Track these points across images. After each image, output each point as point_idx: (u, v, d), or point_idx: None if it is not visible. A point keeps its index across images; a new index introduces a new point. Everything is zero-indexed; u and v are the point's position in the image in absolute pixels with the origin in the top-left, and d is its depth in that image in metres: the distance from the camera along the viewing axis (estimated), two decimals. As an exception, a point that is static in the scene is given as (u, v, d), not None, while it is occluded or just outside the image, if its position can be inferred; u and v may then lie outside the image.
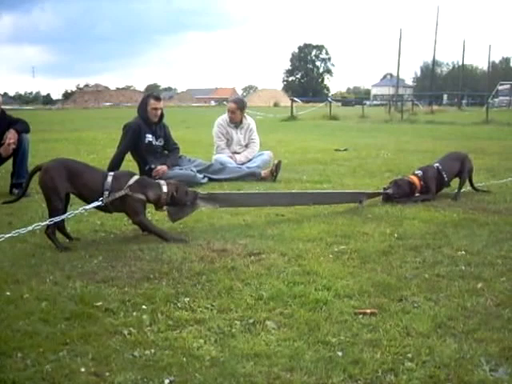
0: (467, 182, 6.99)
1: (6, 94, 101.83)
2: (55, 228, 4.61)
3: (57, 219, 4.47)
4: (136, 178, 4.83)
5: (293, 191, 6.79)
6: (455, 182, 6.89)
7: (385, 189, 6.49)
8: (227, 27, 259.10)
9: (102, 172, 4.88)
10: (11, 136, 6.96)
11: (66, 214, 4.58)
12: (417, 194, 6.55)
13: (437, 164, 6.83)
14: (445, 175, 6.74)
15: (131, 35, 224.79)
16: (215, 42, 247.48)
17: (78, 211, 4.57)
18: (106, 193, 4.64)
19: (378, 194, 6.49)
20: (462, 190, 6.82)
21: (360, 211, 5.87)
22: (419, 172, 6.68)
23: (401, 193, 6.44)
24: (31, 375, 2.56)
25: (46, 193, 4.59)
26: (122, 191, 4.66)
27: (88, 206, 4.62)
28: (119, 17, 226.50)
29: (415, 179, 6.57)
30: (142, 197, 4.73)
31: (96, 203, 4.61)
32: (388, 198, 6.40)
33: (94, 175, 4.78)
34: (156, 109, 7.67)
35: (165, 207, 4.97)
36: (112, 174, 4.81)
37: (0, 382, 2.49)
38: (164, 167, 7.54)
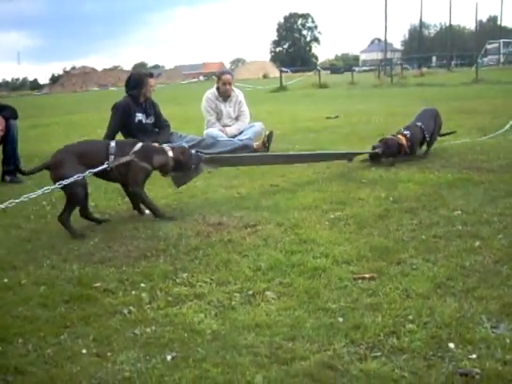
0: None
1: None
2: (69, 214, 4.50)
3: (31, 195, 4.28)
4: (140, 144, 4.77)
5: (289, 153, 7.14)
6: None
7: (374, 147, 6.56)
8: (213, 1, 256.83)
9: (104, 141, 4.89)
10: None
11: (72, 178, 4.33)
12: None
13: (419, 123, 6.89)
14: (426, 134, 6.84)
15: (117, 14, 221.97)
16: (201, 17, 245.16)
17: (84, 174, 4.39)
18: (112, 157, 4.58)
19: (367, 153, 6.63)
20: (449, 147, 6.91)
21: (354, 177, 5.87)
22: (407, 132, 6.71)
23: (389, 152, 6.51)
24: (33, 360, 2.56)
25: (68, 187, 4.38)
26: (127, 156, 4.60)
27: (94, 170, 4.47)
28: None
29: (403, 139, 6.61)
30: (147, 166, 4.68)
31: (102, 167, 4.50)
32: (375, 157, 6.50)
33: (98, 145, 4.77)
34: (152, 86, 7.67)
35: (170, 173, 4.94)
36: (114, 141, 4.81)
37: (2, 368, 2.49)
38: (155, 144, 7.50)
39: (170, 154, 4.80)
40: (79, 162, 4.48)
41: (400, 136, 6.66)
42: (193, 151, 5.09)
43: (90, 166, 4.48)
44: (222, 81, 8.80)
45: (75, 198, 4.48)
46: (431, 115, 7.13)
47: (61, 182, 4.30)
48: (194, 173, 5.12)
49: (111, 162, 4.55)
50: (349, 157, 6.42)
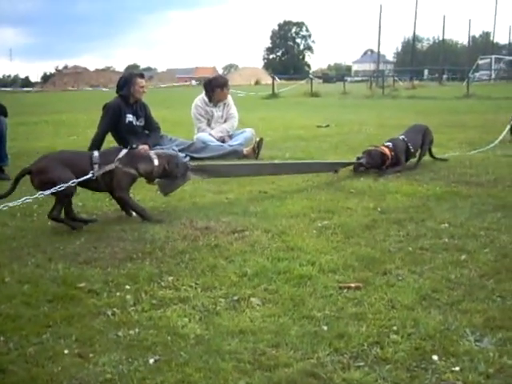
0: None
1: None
2: (60, 211, 4.49)
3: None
4: (125, 151, 4.74)
5: (276, 162, 7.08)
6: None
7: (358, 158, 6.62)
8: (207, 5, 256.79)
9: (87, 152, 4.85)
10: None
11: (57, 187, 4.30)
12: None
13: (402, 136, 7.01)
14: (411, 147, 6.91)
15: (111, 15, 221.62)
16: (195, 20, 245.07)
17: (68, 184, 4.33)
18: (96, 166, 4.54)
19: (352, 164, 6.67)
20: (441, 162, 6.92)
21: (343, 186, 5.87)
22: (389, 143, 6.80)
23: (373, 163, 6.57)
24: (14, 358, 2.53)
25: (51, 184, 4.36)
26: (112, 164, 4.58)
27: (79, 180, 4.42)
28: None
29: (387, 150, 6.66)
30: (132, 171, 4.66)
31: (87, 176, 4.47)
32: (360, 168, 6.59)
33: (81, 156, 4.73)
34: (143, 87, 7.63)
35: (156, 180, 4.92)
36: (97, 151, 4.78)
37: (-17, 365, 2.47)
38: (145, 147, 7.47)
39: (156, 162, 4.78)
40: (63, 167, 4.45)
41: (383, 147, 6.71)
42: (182, 159, 5.06)
43: (73, 174, 4.45)
44: (227, 88, 8.81)
45: (64, 195, 4.43)
46: (419, 130, 7.23)
47: (55, 188, 4.27)
48: (181, 181, 5.11)
49: (96, 172, 4.53)
50: (335, 168, 6.50)
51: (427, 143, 7.18)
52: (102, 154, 4.69)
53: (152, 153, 4.93)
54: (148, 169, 4.76)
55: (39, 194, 4.31)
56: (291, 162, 6.91)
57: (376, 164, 6.58)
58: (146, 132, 7.81)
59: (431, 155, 7.34)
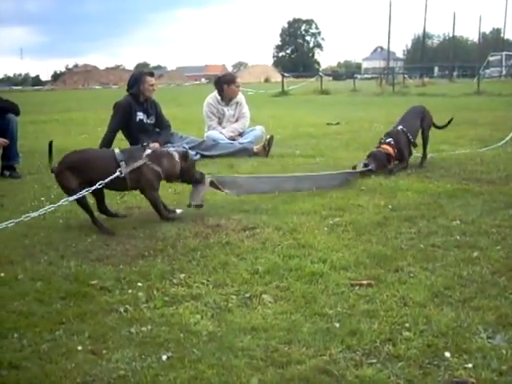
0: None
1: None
2: (93, 216, 4.50)
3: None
4: (150, 150, 4.65)
5: (296, 174, 6.35)
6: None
7: (365, 165, 6.39)
8: (217, 3, 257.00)
9: (108, 150, 4.79)
10: None
11: (83, 191, 4.30)
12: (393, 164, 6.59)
13: (400, 126, 6.78)
14: (410, 137, 6.71)
15: (121, 14, 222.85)
16: (205, 18, 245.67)
17: (95, 187, 4.31)
18: (123, 163, 4.44)
19: (364, 171, 6.35)
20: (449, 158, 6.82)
21: (353, 184, 5.86)
22: (390, 139, 6.61)
23: (380, 165, 6.42)
24: (28, 355, 2.55)
25: (67, 192, 4.42)
26: (141, 160, 4.50)
27: (107, 179, 4.34)
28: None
29: (389, 149, 6.52)
30: (158, 169, 4.58)
31: (115, 175, 4.37)
32: (370, 172, 6.34)
33: (103, 154, 4.71)
34: (152, 85, 7.66)
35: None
36: (118, 148, 4.69)
37: (-3, 362, 2.48)
38: (156, 144, 7.49)
39: (177, 157, 4.72)
40: (79, 174, 4.41)
41: (385, 146, 6.55)
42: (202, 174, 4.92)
43: (94, 176, 4.38)
44: (236, 84, 8.80)
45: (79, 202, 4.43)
46: (416, 114, 6.99)
47: (80, 193, 4.28)
48: (202, 188, 4.90)
49: (124, 169, 4.43)
50: (348, 178, 6.10)
51: (427, 127, 6.94)
52: (124, 151, 4.60)
53: (175, 153, 4.82)
54: (172, 165, 4.68)
55: (64, 201, 4.26)
56: (313, 174, 6.27)
57: (383, 166, 6.46)
58: (157, 130, 7.84)
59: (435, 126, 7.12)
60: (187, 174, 4.79)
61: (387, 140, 6.62)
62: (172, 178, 4.80)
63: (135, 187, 4.63)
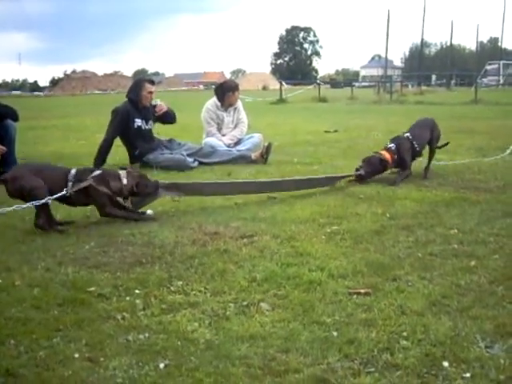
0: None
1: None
2: (46, 218, 4.60)
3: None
4: (98, 171, 4.87)
5: (261, 180, 6.39)
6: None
7: (357, 169, 6.37)
8: (215, 10, 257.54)
9: (64, 167, 4.95)
10: None
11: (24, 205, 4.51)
12: (390, 170, 6.55)
13: (407, 134, 6.68)
14: (416, 145, 6.58)
15: (119, 20, 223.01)
16: (203, 25, 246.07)
17: (43, 201, 4.47)
18: (70, 183, 4.67)
19: (351, 176, 6.39)
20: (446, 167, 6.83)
21: (352, 192, 5.86)
22: (392, 145, 6.50)
23: (373, 171, 6.37)
24: (25, 362, 2.54)
25: (28, 195, 4.52)
26: (86, 182, 4.68)
27: (53, 196, 4.57)
28: (108, 1, 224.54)
29: (387, 155, 6.40)
30: (105, 190, 4.75)
31: (61, 193, 4.60)
32: (361, 178, 6.32)
33: (58, 170, 4.87)
34: (151, 92, 7.71)
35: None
36: (75, 168, 4.86)
37: (-7, 369, 2.47)
38: (163, 105, 7.69)
39: (124, 181, 4.87)
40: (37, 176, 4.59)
41: (383, 152, 6.45)
42: (151, 180, 5.14)
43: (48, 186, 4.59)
44: (238, 91, 8.83)
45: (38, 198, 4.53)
46: (426, 125, 6.88)
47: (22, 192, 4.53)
48: (151, 199, 5.19)
49: (69, 189, 4.65)
50: (332, 182, 6.17)
51: (435, 139, 6.85)
52: (78, 172, 4.79)
53: (123, 172, 4.97)
54: (118, 187, 4.84)
55: (16, 207, 4.49)
56: (280, 180, 6.22)
57: (376, 171, 6.39)
58: (156, 135, 7.90)
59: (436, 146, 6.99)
60: (139, 190, 4.96)
61: (389, 145, 6.53)
62: (123, 196, 4.94)
63: (82, 204, 4.90)
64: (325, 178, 6.28)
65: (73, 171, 4.76)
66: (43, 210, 4.58)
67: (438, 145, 7.03)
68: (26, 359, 2.57)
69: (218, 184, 5.99)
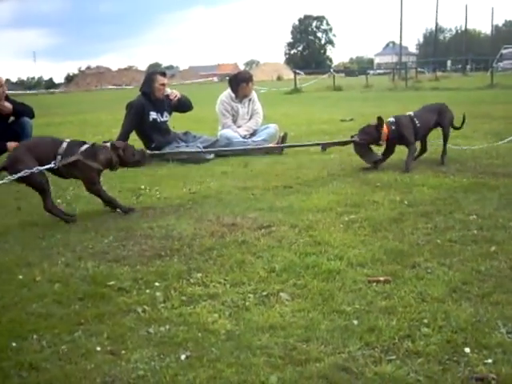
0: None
1: (8, 80, 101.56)
2: (52, 202, 4.75)
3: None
4: (86, 145, 4.92)
5: (248, 146, 8.07)
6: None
7: (352, 137, 6.53)
8: (227, 2, 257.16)
9: (57, 140, 4.96)
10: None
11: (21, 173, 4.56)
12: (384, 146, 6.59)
13: (409, 112, 6.64)
14: (417, 121, 6.47)
15: (133, 14, 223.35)
16: (216, 17, 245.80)
17: (31, 171, 4.53)
18: (59, 157, 4.73)
19: (346, 142, 6.80)
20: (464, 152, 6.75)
21: (369, 180, 5.84)
22: (391, 119, 6.49)
23: (368, 138, 6.42)
24: (48, 356, 2.56)
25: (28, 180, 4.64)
26: (74, 156, 4.75)
27: (42, 168, 4.64)
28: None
29: (384, 126, 6.38)
30: (94, 164, 4.83)
31: (48, 166, 4.67)
32: (359, 148, 6.50)
33: (50, 144, 4.88)
34: (164, 84, 7.73)
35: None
36: (67, 140, 4.91)
37: (17, 364, 2.50)
38: (176, 92, 7.84)
39: (112, 152, 4.98)
40: (34, 156, 4.68)
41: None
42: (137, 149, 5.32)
43: (41, 159, 4.70)
44: (252, 82, 8.81)
45: (41, 185, 4.68)
46: (432, 109, 6.78)
47: (19, 174, 4.52)
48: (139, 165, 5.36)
49: (58, 162, 4.72)
50: (323, 146, 6.85)
51: (447, 123, 6.72)
52: (68, 146, 4.84)
53: (109, 144, 5.08)
54: (107, 158, 4.93)
55: (7, 179, 4.64)
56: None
57: (372, 139, 6.39)
58: (172, 128, 7.92)
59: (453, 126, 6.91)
60: (126, 159, 5.07)
61: (389, 119, 6.49)
62: (113, 167, 5.06)
63: (72, 176, 4.98)
64: (318, 144, 7.13)
65: (64, 144, 4.82)
66: (45, 194, 4.70)
67: (456, 126, 6.93)
68: (49, 353, 2.59)
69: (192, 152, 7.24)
